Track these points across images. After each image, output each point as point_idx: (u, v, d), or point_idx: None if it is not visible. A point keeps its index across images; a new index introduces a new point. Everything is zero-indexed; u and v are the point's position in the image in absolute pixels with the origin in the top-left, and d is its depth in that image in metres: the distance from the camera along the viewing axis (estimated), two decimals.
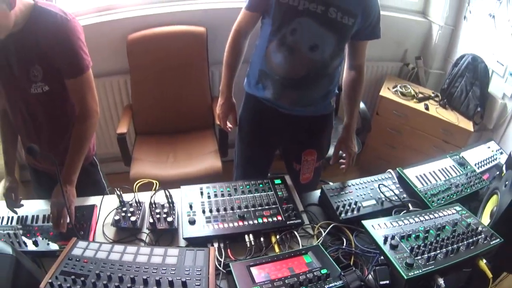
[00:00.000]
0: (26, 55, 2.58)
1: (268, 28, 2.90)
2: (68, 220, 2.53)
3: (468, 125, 4.71)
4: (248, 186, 2.78)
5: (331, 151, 3.41)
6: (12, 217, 2.70)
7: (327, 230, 2.50)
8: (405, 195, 2.76)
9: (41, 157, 2.99)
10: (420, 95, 5.02)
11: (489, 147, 3.42)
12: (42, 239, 2.52)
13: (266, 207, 2.62)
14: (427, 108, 4.84)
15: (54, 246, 2.46)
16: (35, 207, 2.81)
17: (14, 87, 2.72)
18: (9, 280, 1.86)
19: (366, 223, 2.22)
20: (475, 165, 3.14)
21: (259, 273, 2.09)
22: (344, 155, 3.23)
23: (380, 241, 2.10)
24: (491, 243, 2.18)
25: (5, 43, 2.54)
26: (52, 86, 2.69)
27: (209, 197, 2.70)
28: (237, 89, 3.28)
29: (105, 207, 2.73)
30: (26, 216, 2.70)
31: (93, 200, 2.86)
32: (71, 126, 2.86)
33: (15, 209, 2.74)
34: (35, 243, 2.48)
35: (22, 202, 2.86)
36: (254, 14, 2.99)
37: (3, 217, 2.71)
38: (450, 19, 5.16)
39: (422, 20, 5.36)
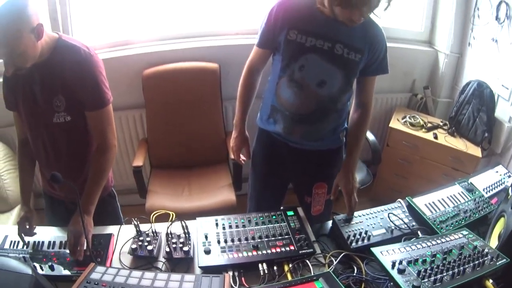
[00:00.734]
0: (50, 85, 2.67)
1: (278, 65, 2.98)
2: (85, 248, 2.59)
3: (477, 151, 4.73)
4: (261, 218, 2.84)
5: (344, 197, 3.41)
6: (28, 242, 2.77)
7: (338, 259, 2.54)
8: (414, 223, 2.79)
9: (63, 185, 2.92)
10: (429, 125, 5.05)
11: (497, 172, 3.46)
12: (58, 264, 2.59)
13: (279, 237, 2.68)
14: (436, 137, 4.88)
15: (70, 271, 2.54)
16: (51, 234, 2.88)
17: (37, 116, 2.79)
18: None
19: (375, 250, 2.30)
20: (484, 190, 3.17)
21: None
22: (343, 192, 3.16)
23: (388, 266, 2.17)
24: (497, 263, 2.26)
25: (30, 73, 2.63)
26: (74, 116, 2.76)
27: (224, 228, 2.77)
28: (250, 123, 3.37)
29: (121, 236, 2.80)
30: (43, 242, 2.77)
31: (110, 229, 2.93)
32: (91, 157, 2.96)
33: (25, 237, 2.78)
34: (51, 268, 2.55)
35: (38, 228, 2.90)
36: (265, 51, 3.09)
37: (18, 242, 2.78)
38: (456, 47, 5.19)
39: (428, 49, 5.40)
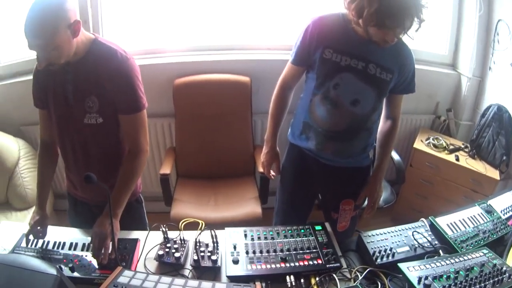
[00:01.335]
0: (84, 85, 2.70)
1: (312, 83, 3.03)
2: (109, 251, 2.61)
3: (495, 174, 4.74)
4: (290, 231, 2.88)
5: (367, 201, 3.46)
6: (48, 242, 2.80)
7: (363, 274, 2.58)
8: (436, 242, 2.83)
9: (89, 188, 3.02)
10: (451, 147, 5.08)
11: None
12: (79, 266, 2.61)
13: (307, 250, 2.71)
14: (457, 159, 4.90)
15: (92, 274, 2.56)
16: (73, 235, 2.93)
17: (67, 115, 2.81)
18: None
19: (402, 265, 2.38)
20: (501, 211, 3.20)
21: None
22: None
23: (415, 281, 2.24)
24: None
25: (63, 72, 2.67)
26: (106, 118, 2.78)
27: (252, 239, 2.81)
28: (281, 138, 3.40)
29: (147, 242, 2.84)
30: (64, 243, 2.79)
31: (135, 234, 2.97)
32: (120, 163, 2.95)
33: (32, 239, 2.80)
34: (71, 269, 2.57)
35: (60, 228, 2.98)
36: (299, 68, 3.13)
37: (37, 241, 2.80)
38: (478, 71, 5.21)
39: (452, 72, 5.41)
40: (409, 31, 2.59)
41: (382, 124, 3.26)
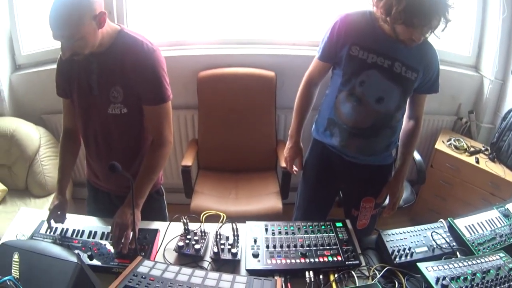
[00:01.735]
0: (109, 75, 2.72)
1: (338, 79, 3.07)
2: (129, 241, 2.64)
3: None
4: (311, 227, 2.90)
5: (388, 200, 3.48)
6: (67, 229, 2.85)
7: (382, 273, 2.59)
8: (454, 243, 2.82)
9: (110, 178, 3.07)
10: (472, 149, 5.06)
11: None
12: (98, 254, 2.65)
13: (327, 247, 2.73)
14: (477, 162, 4.88)
15: (110, 263, 2.59)
16: (92, 223, 3.02)
17: (91, 105, 2.83)
18: (70, 286, 2.00)
19: (421, 265, 2.39)
20: None
21: None
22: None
23: (433, 282, 2.27)
24: None
25: (88, 62, 2.69)
26: (130, 109, 2.80)
27: (273, 233, 2.83)
28: (304, 135, 3.43)
29: (167, 233, 2.88)
30: (83, 231, 2.84)
31: (155, 225, 3.01)
32: (142, 154, 3.02)
33: (53, 224, 2.86)
34: (90, 257, 2.61)
35: (79, 216, 3.05)
36: (326, 64, 3.17)
37: (55, 228, 2.86)
38: (500, 73, 5.18)
39: (474, 74, 5.38)
40: (435, 30, 2.62)
41: (405, 124, 3.28)
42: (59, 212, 2.91)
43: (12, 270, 2.06)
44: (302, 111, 3.37)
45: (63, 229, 2.85)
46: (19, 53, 5.07)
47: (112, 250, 2.67)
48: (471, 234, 2.91)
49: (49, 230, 2.84)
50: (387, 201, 3.48)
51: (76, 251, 2.62)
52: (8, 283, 1.97)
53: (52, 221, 2.85)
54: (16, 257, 2.11)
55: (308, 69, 3.32)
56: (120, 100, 2.75)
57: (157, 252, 2.77)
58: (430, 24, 2.56)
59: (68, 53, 2.50)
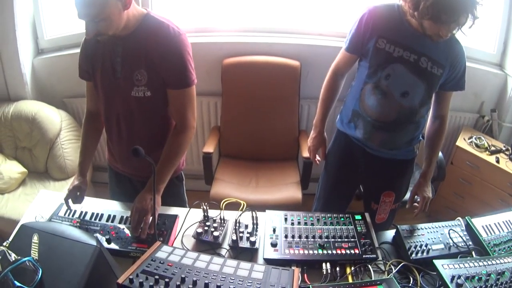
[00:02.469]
0: (133, 58, 2.73)
1: (365, 71, 3.08)
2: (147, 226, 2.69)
3: None
4: (330, 218, 2.94)
5: (407, 195, 3.50)
6: (86, 212, 2.91)
7: (397, 268, 2.61)
8: (470, 243, 2.82)
9: (131, 162, 3.10)
10: (492, 148, 5.02)
11: None
12: (116, 238, 2.70)
13: (345, 239, 2.76)
14: (497, 161, 4.84)
15: (128, 247, 2.64)
16: (112, 207, 3.04)
17: (115, 88, 2.84)
18: (88, 268, 2.03)
19: (437, 262, 2.41)
20: None
21: None
22: (418, 199, 3.27)
23: (448, 280, 2.28)
24: None
25: (112, 45, 2.73)
26: (154, 92, 2.81)
27: (292, 223, 2.87)
28: (328, 125, 3.46)
29: (186, 220, 2.92)
30: (102, 214, 2.90)
31: (174, 210, 3.05)
32: (165, 139, 2.98)
33: (70, 205, 2.91)
34: (108, 241, 2.66)
35: (99, 200, 3.11)
36: (352, 56, 3.18)
37: (74, 211, 2.92)
38: None
39: (499, 72, 5.31)
40: (463, 27, 2.61)
41: (430, 124, 3.28)
42: (78, 193, 2.97)
43: (32, 251, 2.10)
44: (327, 101, 3.39)
45: (82, 212, 2.92)
46: (42, 38, 5.13)
47: (130, 235, 2.72)
48: (487, 235, 2.90)
49: (68, 212, 2.91)
50: (407, 196, 3.51)
51: (95, 234, 2.67)
52: (28, 263, 2.00)
53: (70, 202, 2.91)
54: (35, 238, 2.15)
55: (334, 60, 3.34)
56: (144, 83, 2.76)
57: (175, 238, 2.81)
58: (457, 21, 2.55)
59: (92, 34, 2.52)
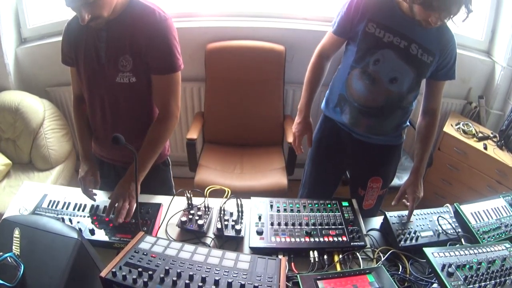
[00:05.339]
0: (118, 44, 2.68)
1: (352, 55, 3.02)
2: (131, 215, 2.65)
3: None
4: (316, 205, 2.90)
5: (395, 181, 3.50)
6: (69, 203, 2.85)
7: (386, 255, 2.59)
8: (459, 230, 2.81)
9: (115, 149, 3.04)
10: (480, 135, 5.03)
11: None
12: (100, 229, 2.66)
13: (333, 226, 2.72)
14: (485, 148, 4.85)
15: (112, 238, 2.59)
16: (95, 197, 2.93)
17: (98, 74, 2.79)
18: (70, 262, 1.98)
19: (427, 250, 2.35)
20: None
21: (325, 287, 2.18)
22: (408, 198, 3.12)
23: (439, 268, 2.23)
24: None
25: (97, 30, 2.67)
26: (139, 78, 2.76)
27: (278, 210, 2.83)
28: (314, 110, 3.35)
29: (170, 207, 2.86)
30: (85, 205, 2.85)
31: (158, 199, 3.01)
32: (149, 125, 2.93)
33: (92, 193, 2.89)
34: (92, 232, 2.61)
35: (79, 190, 2.95)
36: (340, 39, 3.11)
37: (57, 202, 2.86)
38: None
39: (486, 59, 5.32)
40: (454, 18, 2.55)
41: (421, 119, 3.22)
42: (91, 177, 2.96)
43: (13, 247, 2.07)
44: (312, 84, 3.28)
45: (65, 203, 2.85)
46: (25, 26, 5.06)
47: (113, 225, 2.66)
48: (476, 222, 2.89)
49: (52, 203, 2.85)
50: (394, 182, 3.52)
51: (78, 226, 2.65)
52: (9, 260, 1.97)
53: (90, 191, 2.91)
54: (17, 233, 2.11)
55: (320, 42, 3.28)
56: (129, 69, 2.72)
57: (159, 227, 2.77)
58: (449, 10, 2.48)
59: (87, 18, 2.44)
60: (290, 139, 3.84)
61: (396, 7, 2.81)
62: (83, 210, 2.81)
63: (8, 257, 1.96)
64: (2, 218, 2.28)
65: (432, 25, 2.62)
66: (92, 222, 2.71)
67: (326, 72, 3.30)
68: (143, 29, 2.64)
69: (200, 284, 1.98)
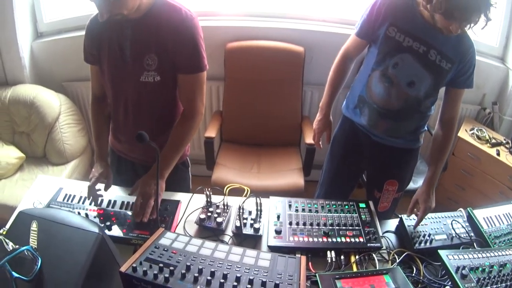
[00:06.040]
0: (144, 42, 2.67)
1: (373, 58, 3.09)
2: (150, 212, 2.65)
3: None
4: (334, 206, 2.94)
5: (410, 185, 3.53)
6: (85, 198, 2.84)
7: (401, 257, 2.63)
8: (472, 234, 2.85)
9: (136, 147, 3.00)
10: (493, 141, 5.03)
11: None
12: (117, 224, 2.67)
13: (350, 227, 2.76)
14: (498, 154, 4.85)
15: (129, 234, 2.59)
16: (112, 193, 2.96)
17: (123, 72, 2.79)
18: (90, 257, 1.96)
19: (442, 252, 2.40)
20: None
21: (343, 286, 2.22)
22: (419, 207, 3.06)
23: (453, 270, 2.29)
24: None
25: (122, 28, 2.67)
26: (164, 77, 2.76)
27: (296, 210, 2.87)
28: (335, 111, 3.44)
29: (188, 205, 2.89)
30: (102, 200, 2.85)
31: (177, 196, 3.03)
32: (171, 123, 2.98)
33: (103, 192, 2.89)
34: (109, 227, 2.63)
35: (98, 185, 2.91)
36: (363, 41, 3.18)
37: (73, 196, 2.88)
38: None
39: (500, 65, 5.31)
40: (474, 26, 2.58)
41: (438, 128, 3.23)
42: (104, 179, 2.94)
43: (30, 240, 2.05)
44: (335, 84, 3.37)
45: (81, 197, 2.88)
46: (41, 21, 5.11)
47: (131, 221, 2.69)
48: (488, 227, 2.92)
49: (68, 197, 2.88)
50: (409, 186, 3.55)
51: (95, 221, 2.65)
52: (26, 253, 1.92)
53: (98, 191, 2.89)
54: (34, 226, 2.09)
55: (345, 44, 3.34)
56: (154, 68, 2.72)
57: (177, 224, 2.80)
58: (469, 19, 2.53)
59: (107, 14, 2.43)
60: (308, 140, 3.87)
61: (417, 13, 2.85)
62: (100, 205, 2.83)
63: (25, 250, 1.92)
64: (18, 211, 2.25)
65: (452, 33, 2.66)
66: (109, 217, 2.72)
67: (349, 73, 3.37)
68: (170, 27, 2.64)
69: (222, 280, 1.98)
